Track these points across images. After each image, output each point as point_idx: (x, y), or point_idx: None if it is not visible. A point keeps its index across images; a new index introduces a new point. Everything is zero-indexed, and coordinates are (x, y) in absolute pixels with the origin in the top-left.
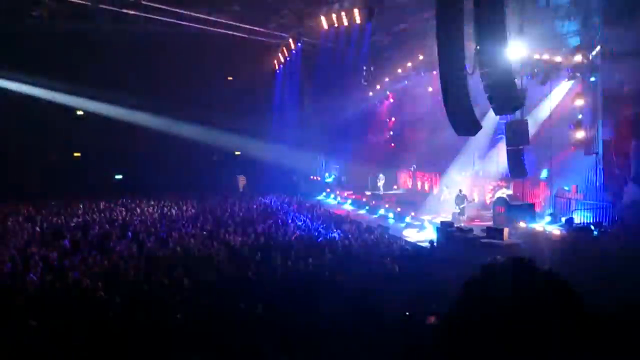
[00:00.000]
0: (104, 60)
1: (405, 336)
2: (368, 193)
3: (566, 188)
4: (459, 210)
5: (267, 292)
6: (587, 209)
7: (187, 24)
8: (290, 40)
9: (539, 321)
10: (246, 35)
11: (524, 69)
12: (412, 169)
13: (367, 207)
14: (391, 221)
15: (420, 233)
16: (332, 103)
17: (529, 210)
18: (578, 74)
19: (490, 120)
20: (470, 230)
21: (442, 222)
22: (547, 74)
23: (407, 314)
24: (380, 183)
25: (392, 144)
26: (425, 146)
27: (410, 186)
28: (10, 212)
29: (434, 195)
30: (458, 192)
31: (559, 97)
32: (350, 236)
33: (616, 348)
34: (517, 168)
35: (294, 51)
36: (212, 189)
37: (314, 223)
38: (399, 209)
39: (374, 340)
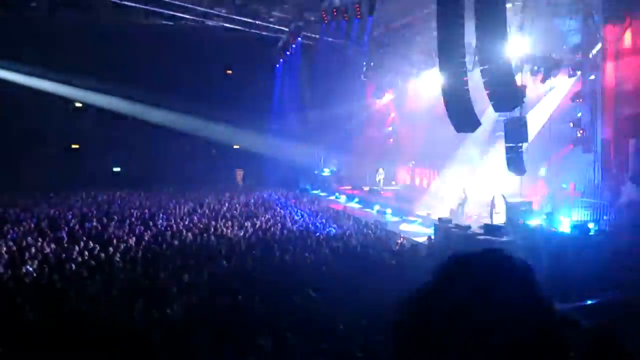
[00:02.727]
0: (102, 51)
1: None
2: (366, 188)
3: (564, 186)
4: (458, 209)
5: (265, 285)
6: (584, 207)
7: (187, 16)
8: (291, 34)
9: (504, 316)
10: (246, 29)
11: (524, 67)
12: (410, 165)
13: (364, 202)
14: (389, 217)
15: (412, 225)
16: (332, 98)
17: (527, 208)
18: (578, 72)
19: (489, 117)
20: (468, 227)
21: (439, 219)
22: (547, 72)
23: None
24: (380, 178)
25: (391, 140)
26: (424, 142)
27: (408, 182)
28: (7, 204)
29: (431, 191)
30: (462, 191)
31: (558, 95)
32: (348, 231)
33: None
34: (515, 165)
35: (294, 45)
36: (211, 182)
37: (312, 218)
38: (396, 205)
39: (371, 335)
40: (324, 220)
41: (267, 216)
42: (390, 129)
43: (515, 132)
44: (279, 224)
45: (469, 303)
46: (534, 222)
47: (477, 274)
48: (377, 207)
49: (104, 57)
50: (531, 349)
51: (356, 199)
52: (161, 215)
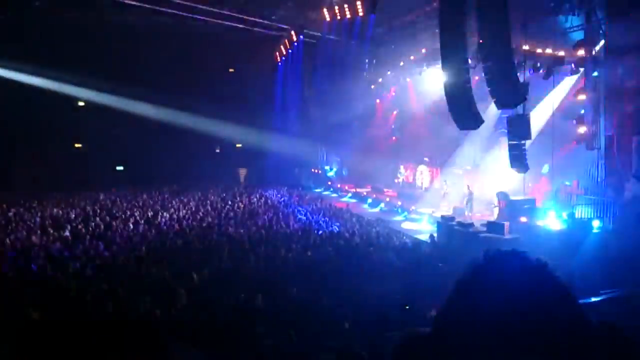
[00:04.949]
0: (105, 50)
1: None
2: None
3: (567, 183)
4: (465, 206)
5: (267, 283)
6: (588, 204)
7: (190, 15)
8: (293, 32)
9: (533, 317)
10: (248, 27)
11: (526, 63)
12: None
13: (367, 200)
14: (392, 215)
15: (415, 223)
16: (334, 96)
17: (530, 205)
18: (581, 69)
19: (492, 114)
20: (471, 224)
21: (442, 216)
22: (550, 69)
23: (407, 307)
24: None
25: (394, 138)
26: (427, 140)
27: (411, 180)
28: (11, 203)
29: (434, 189)
30: (466, 187)
31: (561, 92)
32: (351, 229)
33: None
34: (518, 163)
35: (296, 43)
36: (214, 181)
37: (315, 216)
38: (399, 203)
39: (374, 333)
40: (326, 219)
41: (270, 214)
42: (392, 127)
43: (518, 129)
44: (282, 222)
45: (498, 303)
46: (537, 218)
47: (504, 276)
48: (380, 205)
49: (107, 56)
50: (563, 349)
51: (359, 197)
52: (165, 214)
